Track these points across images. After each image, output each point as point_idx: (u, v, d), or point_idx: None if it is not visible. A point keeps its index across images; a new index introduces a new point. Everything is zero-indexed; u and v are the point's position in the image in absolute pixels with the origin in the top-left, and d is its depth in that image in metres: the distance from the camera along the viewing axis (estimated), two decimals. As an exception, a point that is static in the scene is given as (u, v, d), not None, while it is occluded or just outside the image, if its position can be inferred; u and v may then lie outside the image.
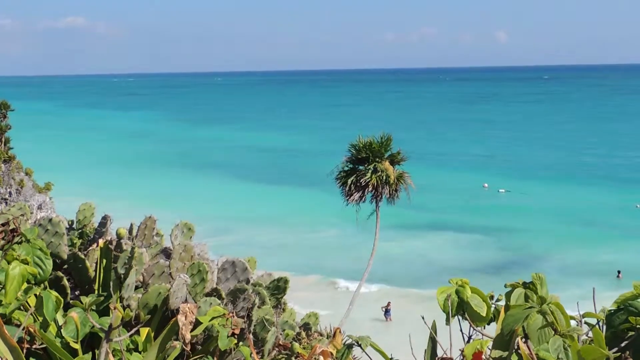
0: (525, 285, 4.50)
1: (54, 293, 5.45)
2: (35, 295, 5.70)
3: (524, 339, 4.13)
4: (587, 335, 4.45)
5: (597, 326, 4.44)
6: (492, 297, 4.72)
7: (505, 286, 4.61)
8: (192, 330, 7.57)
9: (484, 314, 4.51)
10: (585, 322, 4.64)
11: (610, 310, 4.52)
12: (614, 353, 4.18)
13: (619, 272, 52.64)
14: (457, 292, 4.56)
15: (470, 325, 4.63)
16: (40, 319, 5.82)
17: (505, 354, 4.09)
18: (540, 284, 4.48)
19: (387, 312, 45.33)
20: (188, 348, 6.69)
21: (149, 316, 7.94)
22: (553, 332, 4.03)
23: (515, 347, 4.13)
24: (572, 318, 4.34)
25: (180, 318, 6.48)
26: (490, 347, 4.33)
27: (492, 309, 4.67)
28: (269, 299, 9.94)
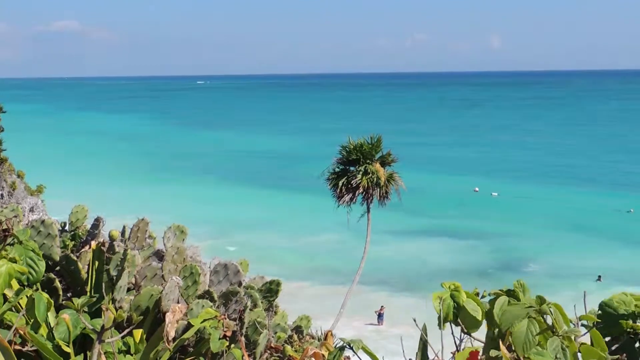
0: (508, 293, 4.51)
1: (45, 295, 5.43)
2: (27, 297, 5.69)
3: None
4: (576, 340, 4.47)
5: (593, 328, 4.46)
6: (477, 294, 4.73)
7: (490, 294, 4.62)
8: (183, 333, 7.58)
9: (480, 318, 4.54)
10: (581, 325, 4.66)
11: (602, 314, 4.54)
12: (611, 355, 4.20)
13: (599, 276, 52.98)
14: (452, 296, 4.58)
15: (462, 331, 4.65)
16: (32, 320, 5.81)
17: (501, 353, 4.12)
18: (522, 291, 4.50)
19: (380, 316, 45.32)
20: (170, 346, 6.68)
21: (141, 317, 7.94)
22: (538, 340, 4.05)
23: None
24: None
25: (168, 316, 6.49)
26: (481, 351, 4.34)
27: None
28: (261, 302, 9.95)
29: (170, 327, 6.58)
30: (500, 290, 4.53)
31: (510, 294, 4.47)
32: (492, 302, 4.50)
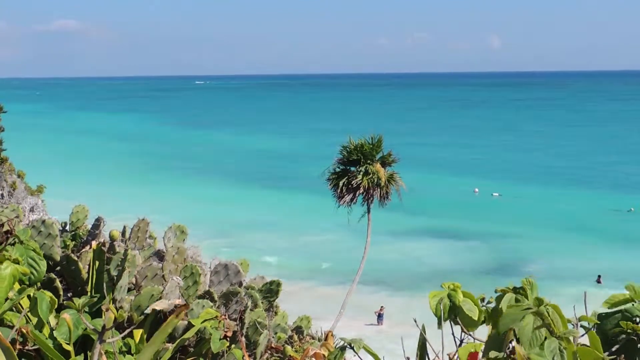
0: (515, 290, 4.50)
1: (48, 294, 5.44)
2: (29, 296, 5.70)
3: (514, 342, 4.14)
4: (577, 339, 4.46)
5: (591, 329, 4.45)
6: (483, 300, 4.73)
7: (496, 291, 4.62)
8: (184, 333, 7.58)
9: (476, 318, 4.53)
10: (580, 326, 4.65)
11: (602, 314, 4.53)
12: (608, 356, 4.19)
13: (599, 276, 52.87)
14: (449, 296, 4.58)
15: (462, 330, 4.65)
16: (33, 320, 5.81)
17: (502, 354, 4.10)
18: (530, 289, 4.49)
19: (380, 316, 45.28)
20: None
21: (142, 317, 7.95)
22: (544, 335, 4.03)
23: (509, 349, 4.14)
24: (568, 321, 4.36)
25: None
26: (482, 350, 4.34)
27: (483, 310, 4.69)
28: (262, 302, 9.95)
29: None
30: (506, 287, 4.52)
31: (517, 291, 4.46)
32: (498, 300, 4.50)
